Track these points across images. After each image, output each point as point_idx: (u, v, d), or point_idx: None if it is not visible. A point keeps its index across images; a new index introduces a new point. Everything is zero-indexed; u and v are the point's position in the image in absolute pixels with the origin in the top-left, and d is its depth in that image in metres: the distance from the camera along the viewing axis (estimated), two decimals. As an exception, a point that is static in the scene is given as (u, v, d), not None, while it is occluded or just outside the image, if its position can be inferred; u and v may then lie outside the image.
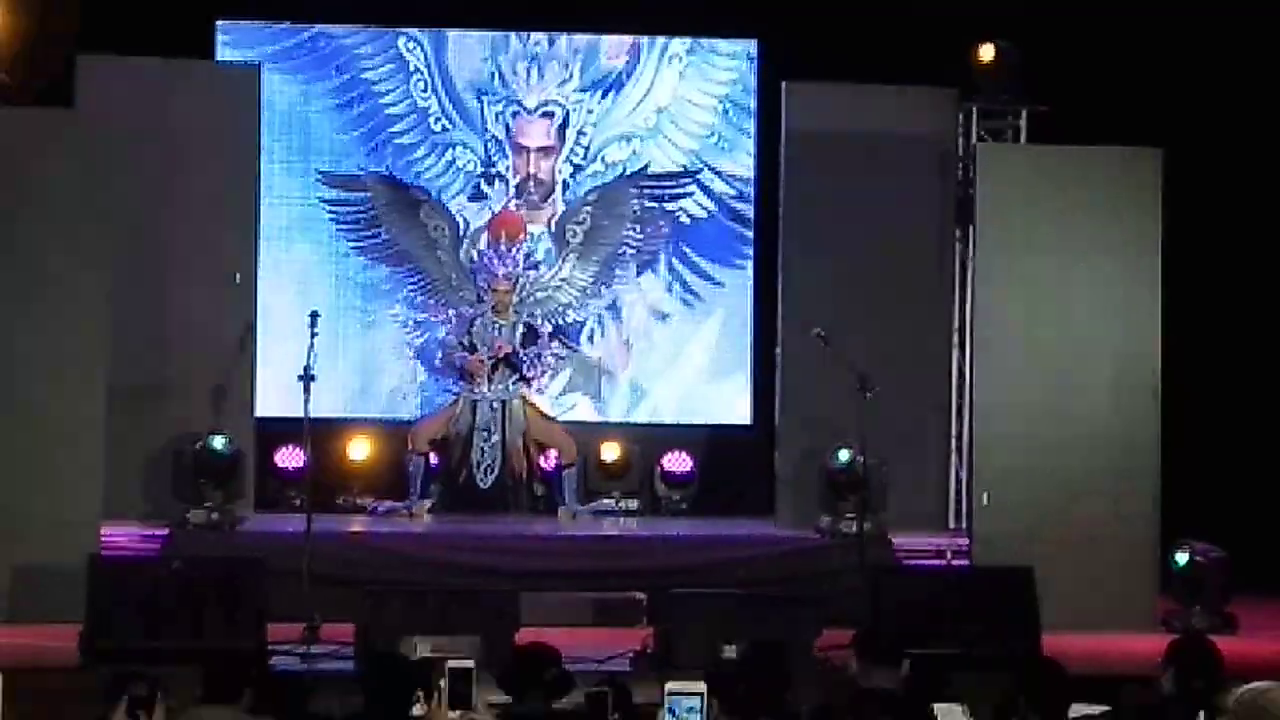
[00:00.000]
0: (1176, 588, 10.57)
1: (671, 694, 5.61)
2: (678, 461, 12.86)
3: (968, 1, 12.01)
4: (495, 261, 12.42)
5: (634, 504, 12.55)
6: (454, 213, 12.91)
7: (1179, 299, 11.01)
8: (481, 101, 12.98)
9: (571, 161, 13.06)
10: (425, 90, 12.94)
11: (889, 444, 10.88)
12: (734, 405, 13.08)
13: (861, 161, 11.87)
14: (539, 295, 12.78)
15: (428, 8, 12.82)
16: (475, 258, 12.66)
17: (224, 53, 12.58)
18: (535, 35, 12.97)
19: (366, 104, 12.87)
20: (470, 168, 12.97)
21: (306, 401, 9.86)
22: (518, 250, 12.57)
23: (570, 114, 13.03)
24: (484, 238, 12.74)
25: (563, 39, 12.99)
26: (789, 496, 11.65)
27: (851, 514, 10.64)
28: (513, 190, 12.98)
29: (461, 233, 12.90)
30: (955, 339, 12.13)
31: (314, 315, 10.13)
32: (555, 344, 12.55)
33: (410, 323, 12.87)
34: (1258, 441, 12.14)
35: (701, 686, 5.60)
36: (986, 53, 12.08)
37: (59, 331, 10.10)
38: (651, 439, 12.90)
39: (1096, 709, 5.99)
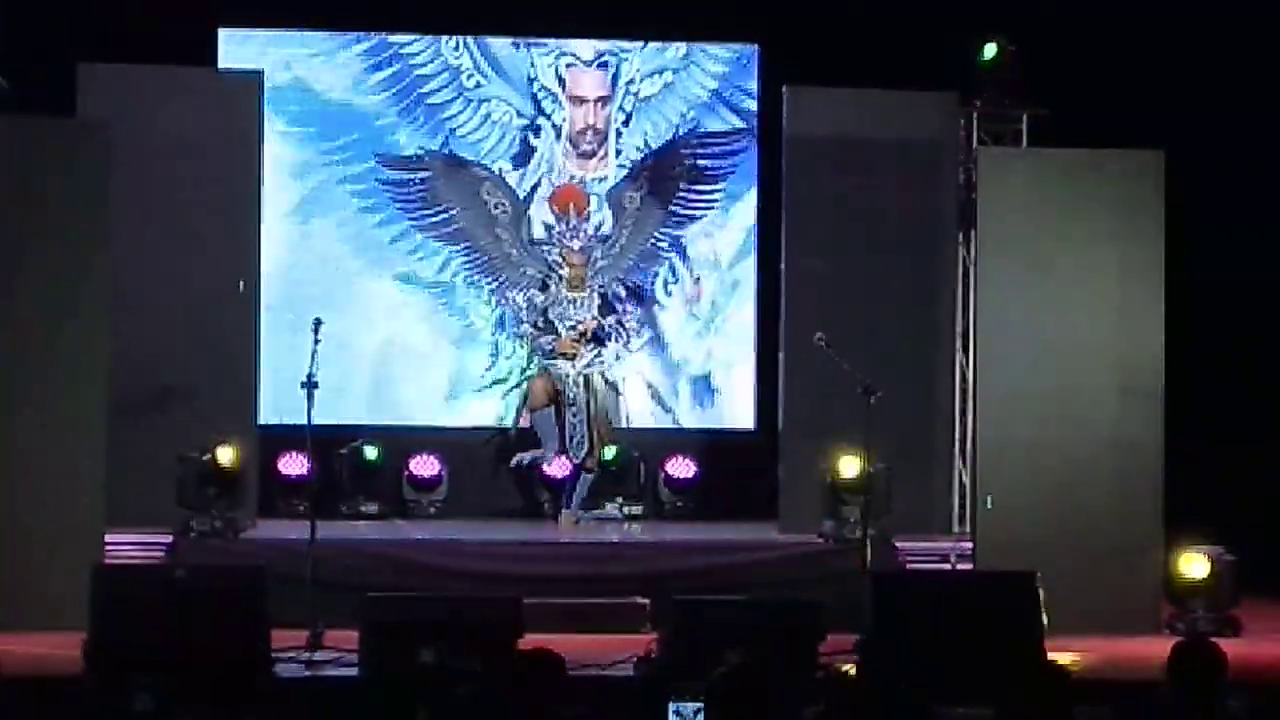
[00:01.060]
0: (1180, 590, 10.56)
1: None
2: (680, 466, 12.88)
3: (968, 5, 12.03)
4: (568, 235, 12.55)
5: (637, 509, 12.56)
6: (513, 187, 13.00)
7: (1181, 301, 11.01)
8: (529, 52, 13.08)
9: (624, 109, 13.16)
10: (457, 49, 13.03)
11: (892, 448, 10.86)
12: (737, 410, 13.10)
13: (863, 165, 11.87)
14: (602, 264, 12.81)
15: (433, 13, 12.82)
16: (544, 232, 12.77)
17: (238, 56, 12.62)
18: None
19: (397, 65, 13.00)
20: (508, 120, 13.05)
21: (310, 409, 9.85)
22: (586, 222, 12.69)
23: (622, 64, 13.14)
24: (548, 210, 12.87)
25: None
26: (792, 501, 11.64)
27: (854, 519, 10.63)
28: (566, 142, 13.05)
29: (525, 209, 12.99)
30: (958, 343, 12.13)
31: (317, 323, 10.12)
32: (631, 305, 12.80)
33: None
34: (1261, 444, 12.13)
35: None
36: (990, 50, 12.09)
37: (61, 339, 10.10)
38: (654, 444, 12.90)
39: (1100, 712, 5.99)
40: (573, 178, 13.09)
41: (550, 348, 12.21)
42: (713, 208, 13.24)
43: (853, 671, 8.59)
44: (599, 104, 13.11)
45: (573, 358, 12.16)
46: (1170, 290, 10.85)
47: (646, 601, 10.13)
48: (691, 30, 13.01)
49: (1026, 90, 12.11)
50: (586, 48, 13.12)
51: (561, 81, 13.09)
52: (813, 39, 12.34)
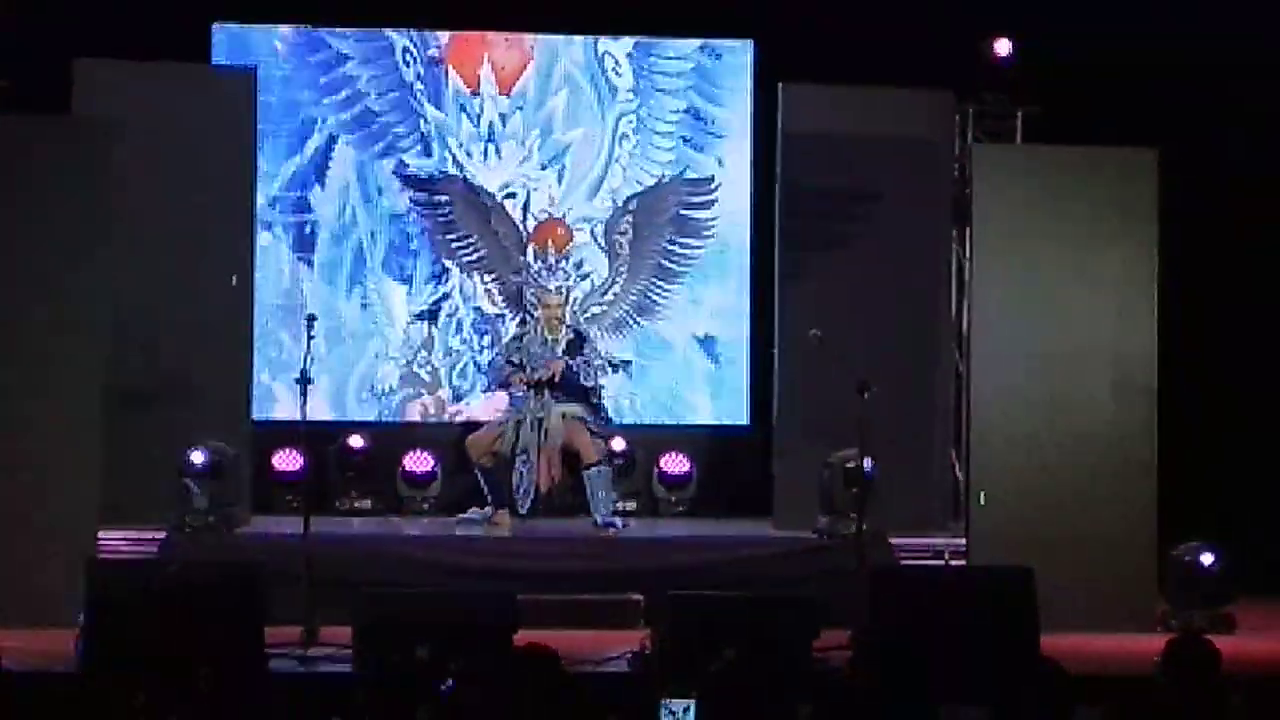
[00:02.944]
0: (1174, 587, 10.57)
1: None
2: (675, 463, 12.87)
3: (963, 2, 12.03)
4: (545, 274, 12.21)
5: (631, 505, 12.54)
6: (516, 222, 12.84)
7: (1176, 299, 11.01)
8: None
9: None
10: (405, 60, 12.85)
11: (886, 445, 10.86)
12: (731, 406, 13.10)
13: (857, 162, 11.88)
14: (594, 311, 12.67)
15: (422, 9, 12.80)
16: (522, 272, 12.47)
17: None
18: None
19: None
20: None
21: (304, 404, 9.85)
22: (567, 261, 12.38)
23: (531, 195, 12.92)
24: (530, 249, 12.63)
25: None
26: (787, 497, 11.65)
27: (849, 515, 10.63)
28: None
29: (523, 241, 12.84)
30: (952, 339, 12.13)
31: (311, 319, 10.13)
32: (600, 344, 12.19)
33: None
34: (1256, 441, 12.15)
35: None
36: (1002, 47, 12.10)
37: (56, 335, 10.09)
38: (649, 440, 12.90)
39: (1095, 709, 5.99)
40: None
41: (538, 376, 11.53)
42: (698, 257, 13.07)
43: (847, 668, 8.60)
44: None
45: (510, 389, 11.70)
46: (1165, 286, 10.85)
47: (641, 598, 10.13)
48: (688, 28, 12.99)
49: (1021, 88, 12.11)
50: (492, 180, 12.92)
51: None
52: (808, 36, 12.33)
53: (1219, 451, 11.91)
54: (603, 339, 12.56)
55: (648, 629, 9.31)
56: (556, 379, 11.55)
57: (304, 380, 9.84)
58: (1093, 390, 10.77)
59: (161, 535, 10.63)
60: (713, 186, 13.08)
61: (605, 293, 12.84)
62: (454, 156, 12.83)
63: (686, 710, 6.11)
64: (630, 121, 13.03)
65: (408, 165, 12.83)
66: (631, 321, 12.91)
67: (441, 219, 12.83)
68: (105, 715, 6.92)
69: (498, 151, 12.88)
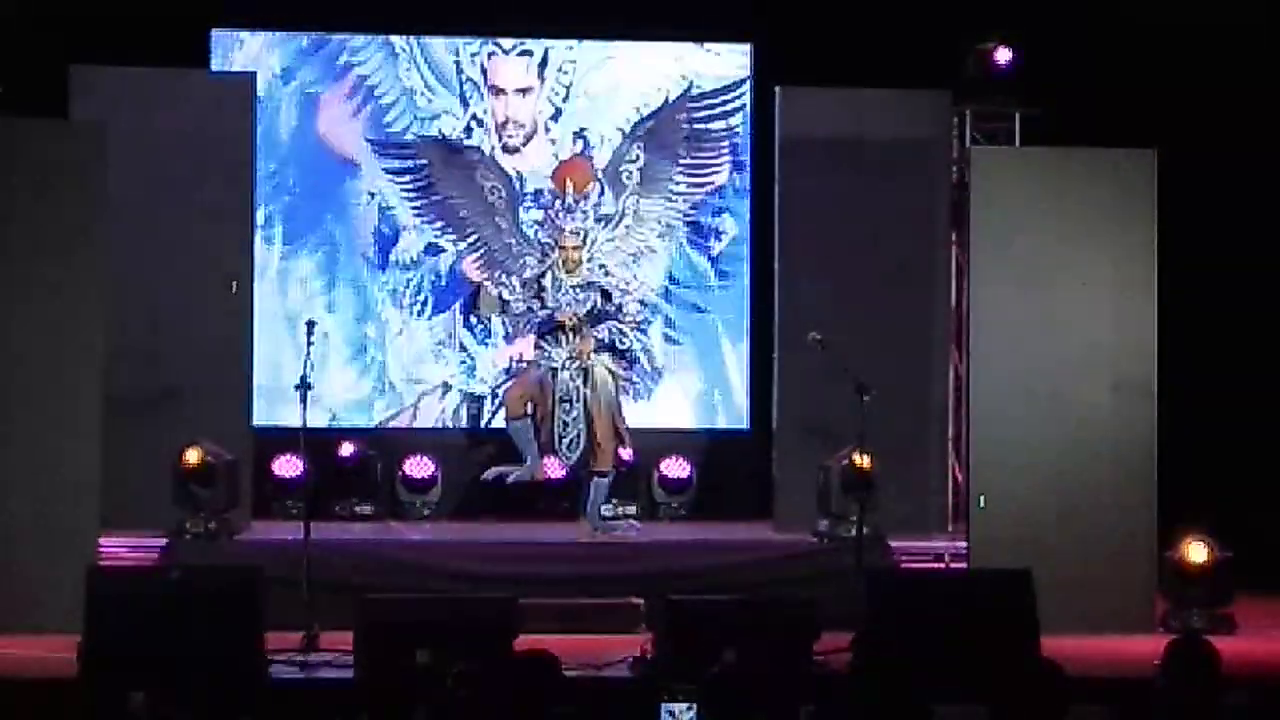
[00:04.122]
0: (1174, 588, 10.57)
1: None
2: (675, 467, 12.87)
3: (961, 4, 12.04)
4: (562, 215, 11.59)
5: (632, 509, 12.55)
6: (507, 168, 12.72)
7: (1174, 299, 11.01)
8: (456, 50, 12.93)
9: (551, 101, 13.01)
10: (409, 67, 12.91)
11: (886, 447, 10.87)
12: (731, 410, 13.10)
13: (855, 164, 11.88)
14: (606, 247, 11.98)
15: (419, 12, 12.81)
16: (540, 215, 12.04)
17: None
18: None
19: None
20: (451, 132, 12.92)
21: (304, 410, 9.86)
22: (586, 201, 11.85)
23: (549, 52, 12.96)
24: (547, 189, 12.26)
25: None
26: (786, 500, 11.65)
27: (849, 518, 10.63)
28: (494, 136, 12.89)
29: (519, 190, 12.69)
30: (951, 341, 12.13)
31: (310, 324, 10.13)
32: (629, 301, 11.71)
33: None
34: (1255, 441, 12.14)
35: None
36: (1002, 56, 12.11)
37: (55, 340, 10.08)
38: (649, 445, 12.90)
39: (1095, 710, 5.99)
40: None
41: (548, 318, 11.33)
42: (719, 172, 12.97)
43: (848, 670, 8.60)
44: (519, 94, 12.89)
45: (575, 330, 11.26)
46: (1163, 287, 10.85)
47: (641, 602, 10.13)
48: (685, 31, 12.99)
49: (1019, 89, 12.12)
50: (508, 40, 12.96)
51: (484, 72, 12.93)
52: (806, 39, 12.34)
53: (1219, 452, 11.90)
54: (626, 269, 12.13)
55: (648, 633, 9.30)
56: (575, 325, 11.28)
57: (304, 386, 9.84)
58: (1092, 392, 10.77)
59: (162, 541, 10.63)
60: (727, 95, 13.00)
61: (616, 225, 12.27)
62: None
63: (687, 714, 6.12)
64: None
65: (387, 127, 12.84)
66: (650, 251, 12.57)
67: (418, 184, 12.75)
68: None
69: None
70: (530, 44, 12.97)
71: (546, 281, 11.45)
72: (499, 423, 12.23)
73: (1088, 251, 10.82)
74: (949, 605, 8.89)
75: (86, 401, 10.10)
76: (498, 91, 12.98)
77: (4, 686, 8.25)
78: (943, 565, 11.07)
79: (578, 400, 11.27)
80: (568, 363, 11.31)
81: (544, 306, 11.41)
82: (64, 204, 10.14)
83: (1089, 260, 10.81)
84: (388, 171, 12.81)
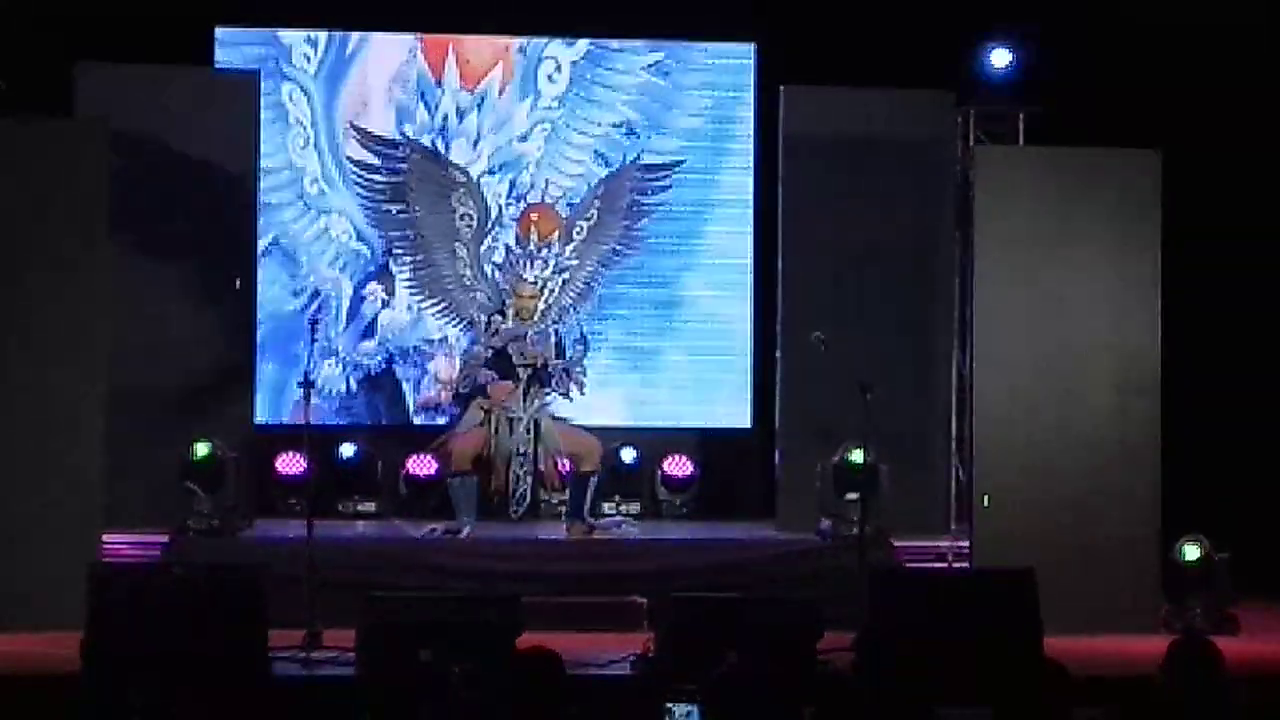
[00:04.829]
0: (1177, 588, 10.57)
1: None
2: (678, 465, 12.87)
3: (965, 3, 12.03)
4: (524, 262, 11.63)
5: (634, 508, 12.55)
6: (489, 201, 12.61)
7: (1179, 299, 11.01)
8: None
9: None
10: (305, 146, 12.70)
11: (889, 447, 10.87)
12: (733, 409, 13.10)
13: (860, 164, 11.88)
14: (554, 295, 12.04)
15: (418, 11, 12.80)
16: (502, 255, 12.02)
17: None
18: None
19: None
20: (345, 239, 12.69)
21: (307, 407, 9.86)
22: (548, 250, 11.94)
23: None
24: (513, 233, 12.31)
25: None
26: (789, 499, 11.65)
27: (852, 517, 10.62)
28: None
29: (489, 225, 12.57)
30: (955, 341, 12.13)
31: (313, 322, 10.14)
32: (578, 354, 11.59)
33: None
34: (1259, 442, 12.14)
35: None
36: (1000, 58, 12.10)
37: (58, 338, 10.09)
38: (652, 443, 12.90)
39: (1098, 710, 5.99)
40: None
41: (488, 383, 11.22)
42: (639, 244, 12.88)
43: (850, 670, 8.60)
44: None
45: (499, 401, 11.19)
46: (1167, 287, 10.85)
47: (644, 600, 10.13)
48: (687, 30, 12.99)
49: (1022, 89, 12.11)
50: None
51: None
52: (809, 38, 12.33)
53: (1222, 452, 11.89)
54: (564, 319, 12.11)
55: (650, 631, 9.30)
56: (535, 373, 11.27)
57: (307, 383, 9.85)
58: (1096, 392, 10.77)
59: (165, 539, 10.64)
60: (667, 173, 12.93)
61: (570, 278, 12.38)
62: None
63: (689, 713, 6.12)
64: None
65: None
66: (573, 309, 12.41)
67: (388, 186, 12.63)
68: (108, 718, 6.92)
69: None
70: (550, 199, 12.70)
71: (504, 331, 11.37)
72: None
73: (1092, 251, 10.82)
74: (952, 605, 8.89)
75: (90, 398, 10.10)
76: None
77: (6, 683, 8.26)
78: (946, 565, 11.07)
79: (528, 454, 11.26)
80: (521, 416, 11.25)
81: (504, 350, 11.31)
82: (68, 200, 10.14)
83: (1093, 260, 10.81)
84: (354, 163, 12.62)
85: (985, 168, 11.12)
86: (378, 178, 12.73)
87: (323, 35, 12.81)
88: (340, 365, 12.66)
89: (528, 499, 11.45)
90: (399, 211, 12.66)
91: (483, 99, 12.87)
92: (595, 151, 12.92)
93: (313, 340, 10.04)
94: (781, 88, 11.98)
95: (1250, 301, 12.29)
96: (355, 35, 12.86)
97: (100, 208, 10.23)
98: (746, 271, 13.10)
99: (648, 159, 12.95)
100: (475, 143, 12.83)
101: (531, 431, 11.33)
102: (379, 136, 12.74)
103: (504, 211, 12.70)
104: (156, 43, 11.77)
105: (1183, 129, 11.48)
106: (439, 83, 12.84)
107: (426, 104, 12.81)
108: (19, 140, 10.27)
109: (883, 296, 11.88)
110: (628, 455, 12.67)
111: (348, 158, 12.71)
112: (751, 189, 13.06)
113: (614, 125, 12.96)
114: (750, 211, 13.08)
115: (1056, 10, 12.01)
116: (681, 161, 12.99)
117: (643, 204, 12.94)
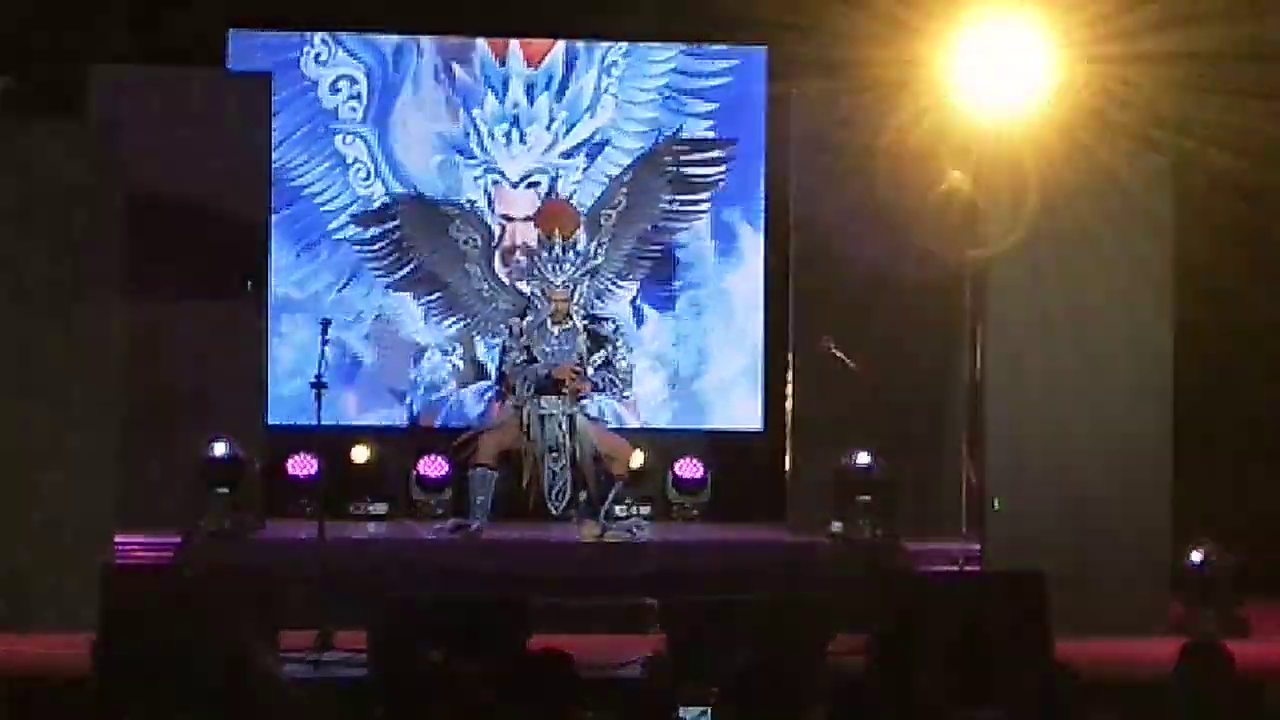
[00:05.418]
0: (1189, 591, 10.56)
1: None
2: (689, 468, 12.87)
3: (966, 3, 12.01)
4: (549, 266, 11.74)
5: (646, 510, 12.55)
6: (489, 223, 12.77)
7: (1191, 303, 10.99)
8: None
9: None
10: (367, 179, 12.85)
11: (901, 450, 10.86)
12: (745, 411, 13.10)
13: (869, 166, 11.85)
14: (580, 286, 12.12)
15: (438, 13, 12.81)
16: (521, 261, 12.24)
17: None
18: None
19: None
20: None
21: (319, 409, 9.87)
22: (572, 249, 12.01)
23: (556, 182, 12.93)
24: (535, 235, 12.40)
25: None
26: (800, 501, 11.64)
27: (863, 519, 10.62)
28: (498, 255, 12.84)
29: (494, 243, 12.73)
30: (966, 344, 12.10)
31: (325, 323, 10.16)
32: (619, 345, 11.87)
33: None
34: (1271, 446, 12.12)
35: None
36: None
37: (71, 339, 10.11)
38: (664, 446, 12.90)
39: (1109, 714, 5.99)
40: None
41: (545, 373, 11.42)
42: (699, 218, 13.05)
43: (862, 673, 8.59)
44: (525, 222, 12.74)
45: (569, 388, 11.37)
46: (1180, 290, 10.83)
47: (655, 602, 10.13)
48: (696, 33, 12.99)
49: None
50: (514, 168, 12.90)
51: (489, 198, 12.86)
52: (818, 41, 12.31)
53: (1234, 455, 11.88)
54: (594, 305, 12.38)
55: (662, 633, 9.30)
56: (565, 383, 11.43)
57: (319, 385, 9.86)
58: (1108, 395, 10.75)
59: (177, 540, 10.65)
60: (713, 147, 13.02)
61: (596, 272, 12.58)
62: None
63: (701, 715, 6.12)
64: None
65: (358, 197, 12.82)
66: (613, 290, 12.73)
67: (386, 245, 12.75)
68: (120, 720, 6.93)
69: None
70: (538, 175, 12.87)
71: (533, 335, 11.50)
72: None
73: (1104, 253, 10.80)
74: (963, 608, 8.89)
75: (103, 400, 10.12)
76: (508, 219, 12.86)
77: (18, 684, 8.27)
78: (957, 568, 11.06)
79: (564, 450, 11.38)
80: (555, 413, 11.39)
81: (531, 359, 11.45)
82: (81, 201, 10.16)
83: (1106, 264, 10.79)
84: (354, 242, 12.79)
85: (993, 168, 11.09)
86: (377, 244, 12.80)
87: (364, 82, 12.88)
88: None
89: (567, 494, 11.49)
90: (406, 260, 12.77)
91: (550, 77, 12.99)
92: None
93: (324, 342, 10.05)
94: (792, 90, 11.96)
95: (1264, 305, 12.25)
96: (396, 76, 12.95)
97: (114, 207, 10.23)
98: (758, 274, 13.09)
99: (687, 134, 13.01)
100: (549, 124, 12.93)
101: (565, 428, 11.38)
102: (371, 212, 12.80)
103: (505, 230, 12.76)
104: (171, 45, 11.80)
105: (1192, 131, 11.44)
106: (503, 62, 12.95)
107: (494, 90, 12.91)
108: (33, 140, 10.28)
109: (894, 298, 11.86)
110: (636, 460, 12.64)
111: (347, 239, 12.82)
112: (762, 190, 13.05)
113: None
114: (762, 217, 13.08)
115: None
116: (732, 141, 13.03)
117: (689, 177, 12.97)
